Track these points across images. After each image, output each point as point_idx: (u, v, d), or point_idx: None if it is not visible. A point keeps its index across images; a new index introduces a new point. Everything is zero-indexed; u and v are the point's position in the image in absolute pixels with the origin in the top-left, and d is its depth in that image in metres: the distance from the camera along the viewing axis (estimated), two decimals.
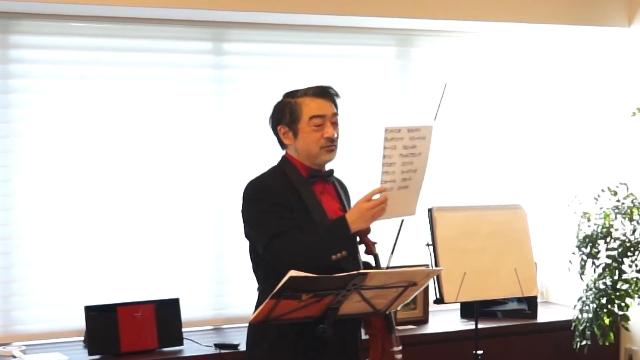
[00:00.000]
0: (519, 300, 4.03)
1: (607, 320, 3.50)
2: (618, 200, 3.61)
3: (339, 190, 2.73)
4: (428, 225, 3.26)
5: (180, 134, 3.85)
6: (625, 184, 3.65)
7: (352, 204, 2.61)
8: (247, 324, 2.64)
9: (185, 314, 3.61)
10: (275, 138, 2.69)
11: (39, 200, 3.65)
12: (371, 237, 2.64)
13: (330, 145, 2.61)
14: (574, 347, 3.64)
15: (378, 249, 2.65)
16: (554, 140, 4.47)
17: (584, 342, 3.58)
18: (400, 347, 2.58)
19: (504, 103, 4.46)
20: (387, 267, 2.65)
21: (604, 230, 3.55)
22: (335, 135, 2.62)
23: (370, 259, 2.65)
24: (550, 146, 4.49)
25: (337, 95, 2.68)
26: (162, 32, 3.81)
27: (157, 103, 3.83)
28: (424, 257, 3.33)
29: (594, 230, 3.58)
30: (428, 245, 3.24)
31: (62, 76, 3.69)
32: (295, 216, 2.54)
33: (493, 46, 4.40)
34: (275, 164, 2.69)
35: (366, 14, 3.76)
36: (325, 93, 2.65)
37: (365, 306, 2.42)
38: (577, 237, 3.62)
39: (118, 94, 3.77)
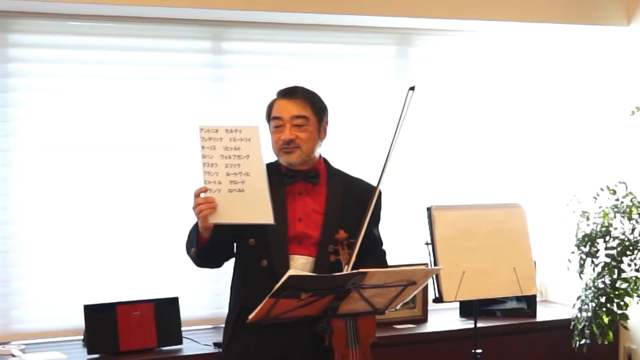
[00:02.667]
0: (518, 299, 4.04)
1: (606, 319, 3.50)
2: (617, 199, 3.61)
3: (331, 192, 2.66)
4: (427, 224, 3.27)
5: (179, 133, 3.84)
6: (624, 183, 3.66)
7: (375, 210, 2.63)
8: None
9: (185, 313, 3.61)
10: None
11: (38, 199, 3.65)
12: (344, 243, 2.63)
13: (287, 148, 2.60)
14: (573, 346, 3.64)
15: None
16: (553, 139, 4.47)
17: (583, 341, 3.58)
18: None
19: (503, 102, 4.46)
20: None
21: (603, 229, 3.55)
22: (290, 139, 2.58)
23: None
24: (549, 145, 4.49)
25: (306, 97, 2.63)
26: (161, 31, 3.81)
27: (156, 102, 3.83)
28: (423, 256, 3.34)
29: (593, 229, 3.58)
30: (427, 244, 3.25)
31: (60, 75, 3.69)
32: None
33: (492, 45, 4.41)
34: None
35: (365, 12, 3.76)
36: (288, 94, 2.63)
37: (364, 305, 2.42)
38: (576, 236, 3.63)
39: (117, 93, 3.77)
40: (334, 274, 2.44)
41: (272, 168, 2.64)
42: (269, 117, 2.67)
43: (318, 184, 2.67)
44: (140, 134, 3.81)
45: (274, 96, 2.68)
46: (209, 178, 2.48)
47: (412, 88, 2.71)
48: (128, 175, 3.79)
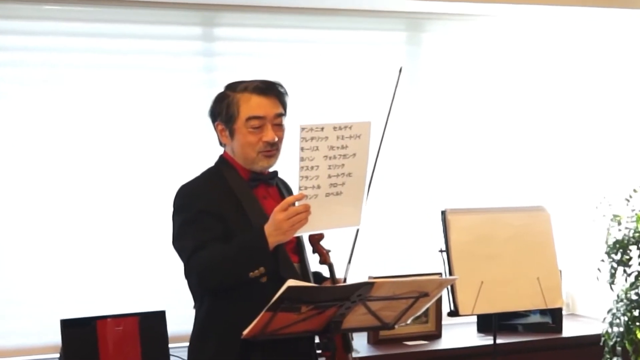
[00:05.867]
0: (542, 312, 4.03)
1: None
2: None
3: (283, 193, 2.73)
4: (441, 229, 3.26)
5: (166, 131, 3.84)
6: None
7: None
8: None
9: (172, 327, 3.61)
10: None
11: (12, 205, 3.65)
12: (325, 244, 2.64)
13: (270, 150, 2.60)
14: None
15: (333, 257, 2.64)
16: (580, 134, 4.46)
17: (614, 359, 3.58)
18: None
19: (523, 93, 4.45)
20: (345, 279, 2.64)
21: (637, 234, 3.55)
22: (276, 139, 2.59)
23: (324, 269, 2.66)
24: (576, 141, 4.48)
25: (285, 93, 2.65)
26: (146, 15, 3.80)
27: (140, 95, 3.82)
28: (436, 264, 3.34)
29: (625, 234, 3.58)
30: (441, 251, 3.24)
31: (35, 64, 3.68)
32: (232, 226, 2.54)
33: (511, 31, 4.39)
34: (213, 164, 2.70)
35: None
36: (269, 90, 2.62)
37: (371, 319, 2.42)
38: (607, 242, 3.62)
39: (96, 86, 3.76)
40: (338, 284, 2.43)
41: (229, 172, 2.63)
42: (231, 115, 2.60)
43: (274, 185, 2.71)
44: (122, 131, 3.80)
45: (238, 90, 2.62)
46: (307, 183, 2.43)
47: (400, 70, 2.77)
48: (108, 177, 3.78)
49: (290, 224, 2.43)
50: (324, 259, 2.62)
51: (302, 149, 2.41)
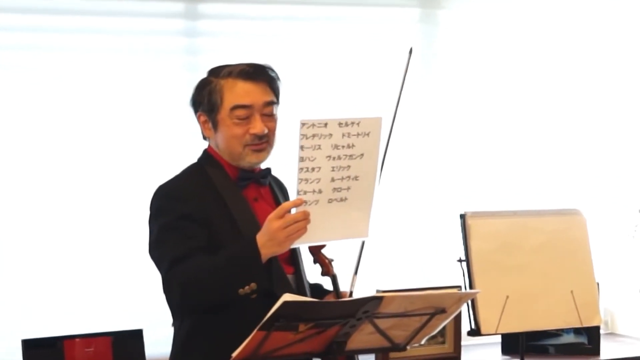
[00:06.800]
0: (577, 331, 4.03)
1: None
2: None
3: (277, 194, 2.72)
4: (460, 236, 3.26)
5: (143, 121, 3.85)
6: None
7: None
8: None
9: (150, 349, 3.61)
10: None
11: None
12: (328, 252, 2.63)
13: (259, 144, 2.59)
14: None
15: (337, 268, 2.63)
16: (620, 128, 4.47)
17: None
18: None
19: (555, 80, 4.44)
20: (350, 292, 2.64)
21: None
22: (266, 131, 2.58)
23: (326, 281, 2.65)
24: (616, 135, 4.48)
25: (276, 77, 2.64)
26: None
27: (113, 80, 3.82)
28: (455, 276, 3.33)
29: None
30: (460, 261, 3.24)
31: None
32: (218, 233, 2.53)
33: (539, 6, 4.38)
34: (196, 160, 2.69)
35: None
36: (256, 74, 2.60)
37: (379, 339, 2.41)
38: None
39: (66, 68, 3.76)
40: (342, 299, 2.42)
41: (214, 169, 2.63)
42: (213, 104, 2.59)
43: (267, 184, 2.71)
44: (92, 124, 3.80)
45: (221, 76, 2.61)
46: (307, 187, 2.41)
47: (410, 51, 2.75)
48: (77, 176, 3.78)
49: (287, 234, 2.41)
50: (327, 269, 2.62)
51: (302, 147, 2.39)
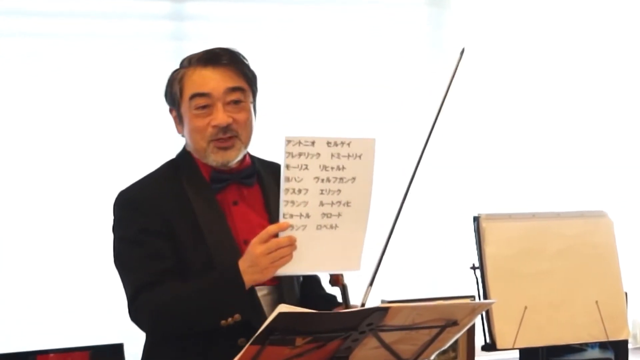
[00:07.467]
0: (602, 346, 4.02)
1: None
2: None
3: (268, 194, 2.70)
4: (474, 240, 3.26)
5: (121, 115, 3.89)
6: None
7: None
8: None
9: None
10: None
11: None
12: None
13: (224, 140, 2.57)
14: None
15: (348, 278, 2.62)
16: None
17: None
18: None
19: (578, 67, 4.46)
20: (363, 304, 2.62)
21: None
22: (229, 122, 2.55)
23: (337, 291, 2.65)
24: None
25: (243, 61, 2.62)
26: None
27: (92, 68, 3.86)
28: (468, 285, 3.34)
29: None
30: (474, 268, 3.24)
31: None
32: (182, 245, 2.53)
33: None
34: (174, 156, 2.70)
35: None
36: (215, 59, 2.59)
37: (384, 354, 2.41)
38: None
39: (43, 55, 3.79)
40: (344, 310, 2.42)
41: (188, 169, 2.62)
42: (176, 96, 2.59)
43: (253, 185, 2.69)
44: (68, 117, 3.83)
45: (184, 65, 2.60)
46: (293, 210, 2.42)
47: (462, 51, 2.70)
48: (54, 176, 3.83)
49: (270, 260, 2.42)
50: (335, 278, 2.61)
51: (286, 166, 2.39)
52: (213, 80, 2.57)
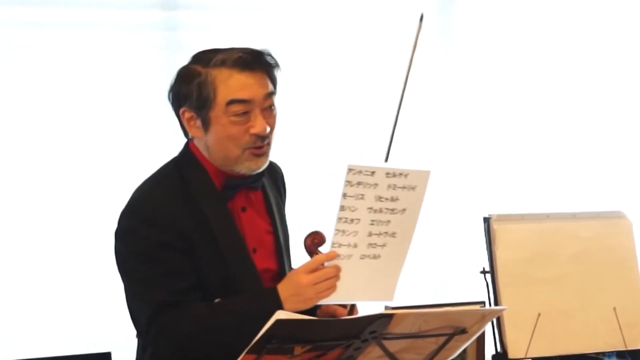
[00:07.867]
0: (620, 355, 4.02)
1: None
2: None
3: (270, 198, 2.71)
4: (484, 243, 3.26)
5: (112, 111, 3.89)
6: None
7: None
8: None
9: None
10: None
11: None
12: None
13: (261, 147, 2.57)
14: None
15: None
16: None
17: None
18: None
19: (591, 63, 4.47)
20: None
21: None
22: (268, 130, 2.56)
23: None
24: None
25: (275, 64, 2.61)
26: None
27: (79, 61, 3.86)
28: (477, 290, 3.34)
29: None
30: (484, 272, 3.24)
31: None
32: (200, 258, 2.52)
33: None
34: (175, 157, 2.66)
35: None
36: (255, 62, 2.56)
37: None
38: None
39: (27, 46, 3.80)
40: (345, 317, 2.42)
41: (195, 173, 2.59)
42: (205, 100, 2.53)
43: (259, 189, 2.70)
44: (65, 107, 3.84)
45: (212, 65, 2.53)
46: (342, 239, 2.46)
47: (422, 18, 2.71)
48: (44, 178, 3.83)
49: (317, 291, 2.46)
50: (309, 245, 2.62)
51: (344, 195, 2.43)
52: (253, 87, 2.55)
